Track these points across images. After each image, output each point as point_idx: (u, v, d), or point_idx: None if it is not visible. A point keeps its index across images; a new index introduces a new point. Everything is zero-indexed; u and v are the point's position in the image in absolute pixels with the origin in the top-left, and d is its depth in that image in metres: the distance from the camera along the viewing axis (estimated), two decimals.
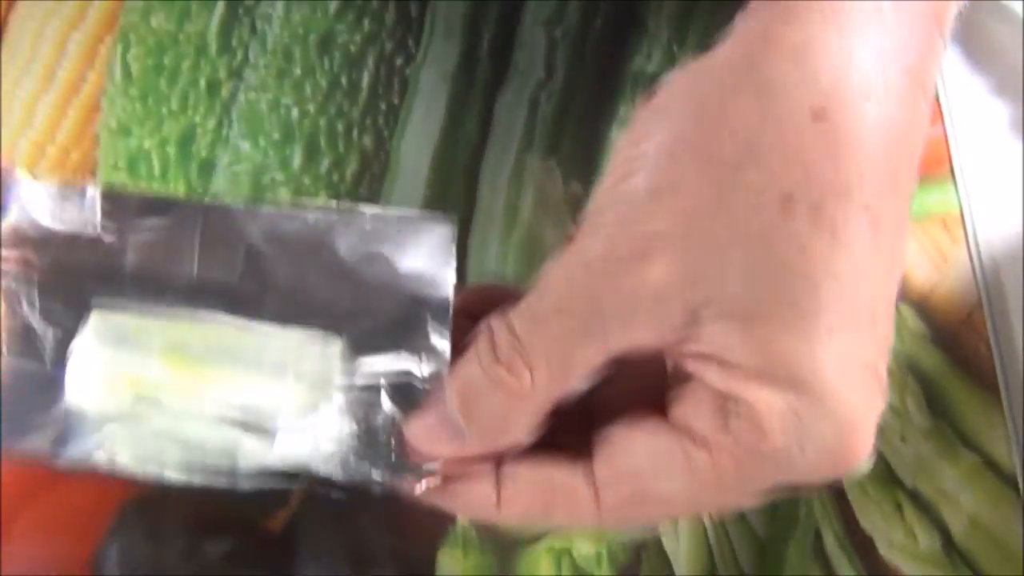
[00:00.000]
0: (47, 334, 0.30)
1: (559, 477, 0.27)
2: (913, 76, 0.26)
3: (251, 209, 0.30)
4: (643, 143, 0.26)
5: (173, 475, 0.29)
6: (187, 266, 0.30)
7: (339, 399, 0.29)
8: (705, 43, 0.27)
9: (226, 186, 0.45)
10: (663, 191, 0.25)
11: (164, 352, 0.30)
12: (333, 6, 0.47)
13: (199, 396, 0.29)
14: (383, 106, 0.47)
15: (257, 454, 0.29)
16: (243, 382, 0.29)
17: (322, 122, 0.46)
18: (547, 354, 0.26)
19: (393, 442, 0.28)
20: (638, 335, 0.25)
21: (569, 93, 0.47)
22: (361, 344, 0.29)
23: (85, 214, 0.30)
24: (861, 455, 0.26)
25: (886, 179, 0.26)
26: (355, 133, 0.46)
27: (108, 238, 0.30)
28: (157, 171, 0.46)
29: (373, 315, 0.30)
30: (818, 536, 0.41)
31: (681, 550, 0.41)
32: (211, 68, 0.46)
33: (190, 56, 0.46)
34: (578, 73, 0.47)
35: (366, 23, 0.47)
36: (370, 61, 0.47)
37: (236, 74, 0.46)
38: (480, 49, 0.48)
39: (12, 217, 0.30)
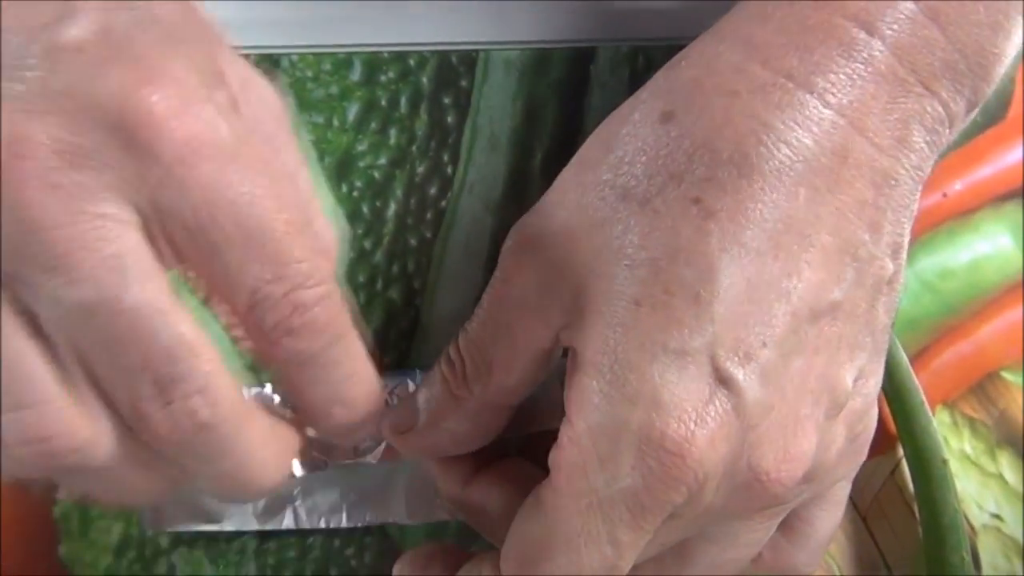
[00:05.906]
0: None
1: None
2: (789, 74, 0.27)
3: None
4: None
5: None
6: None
7: None
8: None
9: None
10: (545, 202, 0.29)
11: None
12: (352, 113, 0.39)
13: None
14: (413, 242, 0.38)
15: None
16: None
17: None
18: (472, 357, 0.30)
19: None
20: (536, 328, 0.28)
21: None
22: None
23: None
24: (685, 449, 0.25)
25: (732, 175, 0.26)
26: (379, 283, 0.38)
27: None
28: None
29: None
30: None
31: None
32: None
33: None
34: None
35: (392, 135, 0.39)
36: (397, 188, 0.38)
37: None
38: (532, 165, 0.39)
39: None
